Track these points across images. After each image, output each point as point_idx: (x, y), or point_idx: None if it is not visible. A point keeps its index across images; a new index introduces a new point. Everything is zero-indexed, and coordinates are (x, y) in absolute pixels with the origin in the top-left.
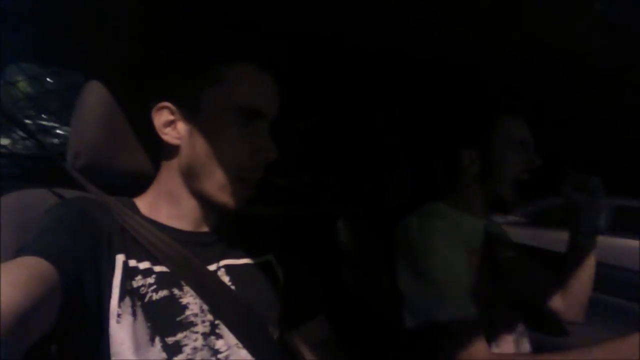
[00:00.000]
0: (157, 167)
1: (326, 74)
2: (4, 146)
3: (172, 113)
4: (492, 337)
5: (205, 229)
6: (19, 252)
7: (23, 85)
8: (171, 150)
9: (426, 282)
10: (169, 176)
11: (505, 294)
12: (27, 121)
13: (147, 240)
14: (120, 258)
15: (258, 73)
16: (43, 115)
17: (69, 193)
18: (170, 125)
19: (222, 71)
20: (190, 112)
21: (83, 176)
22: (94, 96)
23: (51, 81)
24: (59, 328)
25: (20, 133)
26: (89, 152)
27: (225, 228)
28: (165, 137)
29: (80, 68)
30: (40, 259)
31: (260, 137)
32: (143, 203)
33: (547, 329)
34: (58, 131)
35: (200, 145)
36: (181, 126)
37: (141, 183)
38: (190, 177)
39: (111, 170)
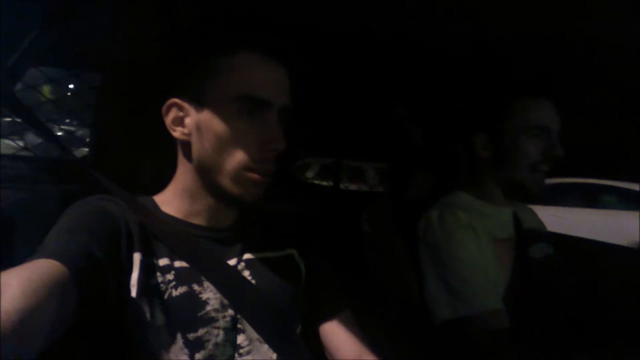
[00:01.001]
0: (174, 165)
1: (339, 65)
2: (27, 148)
3: (180, 109)
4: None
5: (224, 223)
6: (35, 254)
7: (47, 90)
8: (184, 147)
9: (449, 276)
10: (185, 173)
11: (537, 289)
12: (55, 126)
13: (166, 237)
14: (137, 256)
15: (260, 61)
16: (67, 120)
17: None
18: (179, 121)
19: (222, 62)
20: (196, 107)
21: (103, 175)
22: (112, 97)
23: (72, 86)
24: (77, 328)
25: (41, 135)
26: (108, 152)
27: (245, 222)
28: (175, 134)
29: (97, 70)
30: (54, 261)
31: (268, 128)
32: (162, 200)
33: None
34: (80, 133)
35: (208, 140)
36: (189, 122)
37: (160, 181)
38: (203, 172)
39: (130, 169)
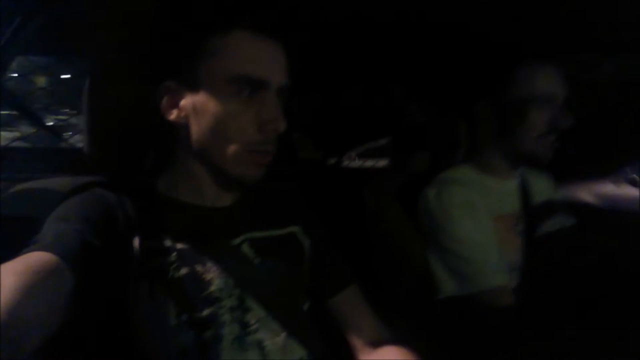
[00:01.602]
0: (174, 147)
1: (337, 41)
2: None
3: (174, 92)
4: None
5: (226, 203)
6: (30, 246)
7: (42, 79)
8: (181, 130)
9: (449, 256)
10: (183, 154)
11: (546, 267)
12: (48, 115)
13: (167, 219)
14: (137, 240)
15: (255, 40)
16: (60, 109)
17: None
18: (174, 104)
19: (215, 42)
20: (191, 89)
21: (101, 162)
22: (104, 82)
23: (63, 74)
24: (77, 317)
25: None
26: (104, 138)
27: (247, 201)
28: (171, 117)
29: (87, 56)
30: (49, 254)
31: (267, 109)
32: (162, 183)
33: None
34: (74, 120)
35: (205, 122)
36: (184, 104)
37: (159, 164)
38: (202, 153)
39: (129, 153)
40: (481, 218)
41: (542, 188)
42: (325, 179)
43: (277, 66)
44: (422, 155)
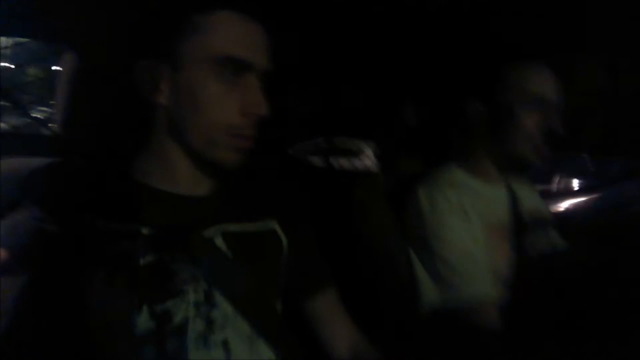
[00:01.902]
0: (148, 130)
1: (326, 27)
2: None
3: (153, 71)
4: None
5: (201, 192)
6: None
7: (34, 70)
8: (159, 112)
9: (437, 262)
10: (159, 137)
11: (533, 280)
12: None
13: (136, 205)
14: (100, 223)
15: (240, 21)
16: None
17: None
18: (153, 85)
19: (199, 19)
20: (172, 69)
21: (72, 142)
22: (80, 63)
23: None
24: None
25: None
26: (77, 119)
27: (224, 192)
28: (150, 98)
29: (60, 38)
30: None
31: (249, 92)
32: (135, 167)
33: None
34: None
35: (185, 104)
36: (164, 84)
37: (133, 147)
38: (180, 137)
39: (103, 136)
40: (473, 224)
41: (528, 196)
42: (313, 177)
43: (262, 50)
44: (414, 157)
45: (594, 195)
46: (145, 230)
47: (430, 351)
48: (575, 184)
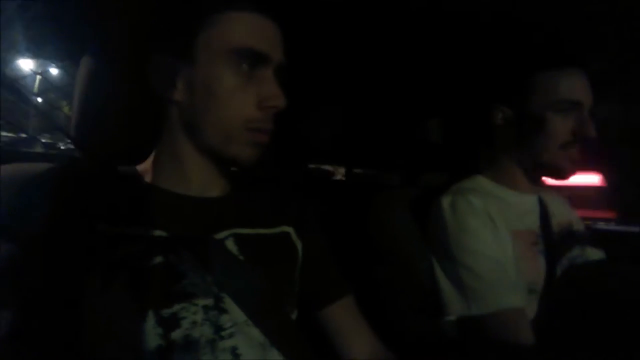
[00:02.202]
0: (161, 128)
1: (348, 32)
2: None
3: (168, 67)
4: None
5: (214, 194)
6: None
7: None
8: (173, 108)
9: (461, 270)
10: (172, 136)
11: (565, 292)
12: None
13: (146, 206)
14: (102, 227)
15: (256, 17)
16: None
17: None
18: (168, 80)
19: (215, 16)
20: (187, 63)
21: (84, 144)
22: (90, 67)
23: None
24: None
25: None
26: (89, 121)
27: (237, 195)
28: (165, 95)
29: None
30: None
31: (266, 85)
32: (145, 169)
33: None
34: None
35: (202, 98)
36: (179, 79)
37: (145, 150)
38: (194, 132)
39: (113, 138)
40: (499, 231)
41: (559, 209)
42: (332, 189)
43: (277, 43)
44: (436, 174)
45: None
46: (155, 233)
47: None
48: None
